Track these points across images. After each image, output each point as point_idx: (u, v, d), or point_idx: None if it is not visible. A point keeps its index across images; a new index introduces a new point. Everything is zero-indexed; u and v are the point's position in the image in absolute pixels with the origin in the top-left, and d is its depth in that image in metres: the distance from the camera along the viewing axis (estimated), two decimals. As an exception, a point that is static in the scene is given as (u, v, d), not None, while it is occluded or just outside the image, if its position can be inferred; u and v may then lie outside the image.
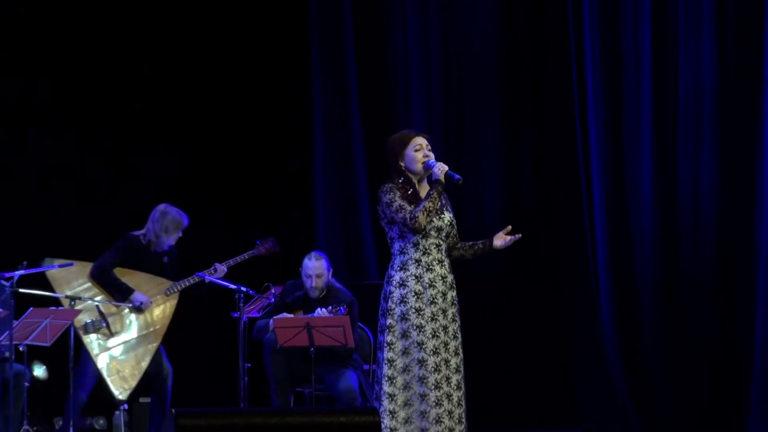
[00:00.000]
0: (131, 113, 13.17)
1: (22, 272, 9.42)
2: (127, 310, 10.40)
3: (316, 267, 10.33)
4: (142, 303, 10.39)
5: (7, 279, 9.26)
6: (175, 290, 10.59)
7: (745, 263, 11.31)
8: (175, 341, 10.98)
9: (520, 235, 8.19)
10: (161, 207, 10.64)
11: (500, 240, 8.19)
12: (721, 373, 11.81)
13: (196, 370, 11.84)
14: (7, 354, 9.35)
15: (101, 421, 12.43)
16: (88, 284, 10.37)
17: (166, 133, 13.17)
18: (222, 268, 10.57)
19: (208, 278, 10.55)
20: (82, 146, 12.98)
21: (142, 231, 10.64)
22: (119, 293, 10.41)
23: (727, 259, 11.93)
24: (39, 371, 11.75)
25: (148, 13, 13.28)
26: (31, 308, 9.55)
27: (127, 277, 10.51)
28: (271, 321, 10.05)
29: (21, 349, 9.60)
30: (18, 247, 11.39)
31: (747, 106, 11.33)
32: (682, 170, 12.16)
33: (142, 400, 11.46)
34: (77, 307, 10.00)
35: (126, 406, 10.85)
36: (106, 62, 13.13)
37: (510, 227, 8.22)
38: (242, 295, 10.23)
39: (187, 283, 10.58)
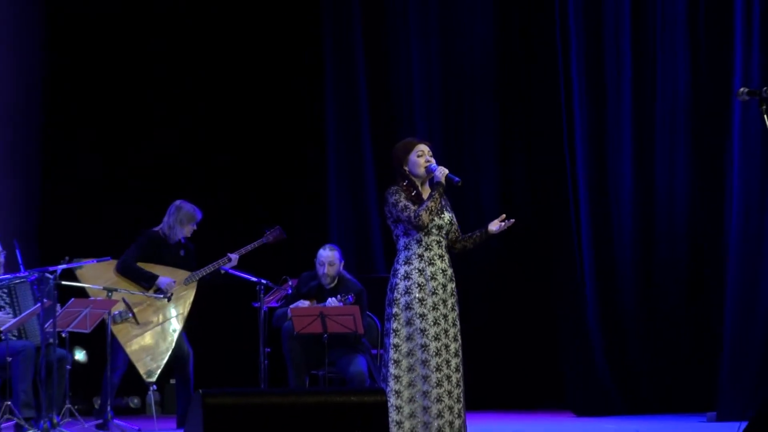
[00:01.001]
0: (151, 115, 13.21)
1: (64, 266, 9.42)
2: (150, 301, 10.42)
3: (329, 256, 10.37)
4: (168, 284, 10.42)
5: (51, 273, 9.26)
6: (194, 279, 10.60)
7: (715, 254, 11.30)
8: (203, 329, 11.02)
9: (513, 220, 8.20)
10: (177, 202, 10.68)
11: (495, 225, 8.16)
12: (694, 351, 11.76)
13: (221, 354, 11.87)
14: (51, 340, 9.37)
15: (135, 401, 12.47)
16: (115, 280, 10.39)
17: (186, 131, 13.21)
18: (234, 257, 10.58)
19: (223, 268, 10.59)
20: (99, 146, 13.05)
21: (160, 226, 10.68)
22: (145, 281, 10.43)
23: (698, 250, 11.91)
24: (79, 355, 11.79)
25: (168, 18, 13.31)
26: (72, 299, 9.57)
27: (150, 270, 10.52)
28: (289, 310, 10.09)
29: (63, 335, 9.60)
30: (57, 245, 11.47)
31: (717, 115, 11.31)
32: (659, 171, 12.15)
33: (172, 381, 11.50)
34: (113, 298, 10.04)
35: (155, 387, 10.89)
36: (125, 66, 13.16)
37: (504, 215, 8.24)
38: (262, 287, 10.26)
39: (204, 273, 10.58)
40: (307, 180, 13.22)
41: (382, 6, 13.21)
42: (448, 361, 7.98)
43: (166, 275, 10.52)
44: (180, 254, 10.68)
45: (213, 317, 11.44)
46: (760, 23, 10.95)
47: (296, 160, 13.30)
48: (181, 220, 10.60)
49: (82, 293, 10.04)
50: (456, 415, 7.98)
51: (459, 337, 8.08)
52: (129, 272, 10.46)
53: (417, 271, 8.01)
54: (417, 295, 7.99)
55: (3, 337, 9.33)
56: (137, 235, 10.69)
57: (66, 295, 9.71)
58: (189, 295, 10.61)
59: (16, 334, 9.60)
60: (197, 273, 10.58)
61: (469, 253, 8.66)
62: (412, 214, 7.98)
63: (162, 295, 10.38)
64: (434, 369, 7.93)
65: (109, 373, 10.34)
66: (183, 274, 10.59)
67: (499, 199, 12.56)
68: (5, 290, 9.62)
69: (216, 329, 11.76)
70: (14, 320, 9.43)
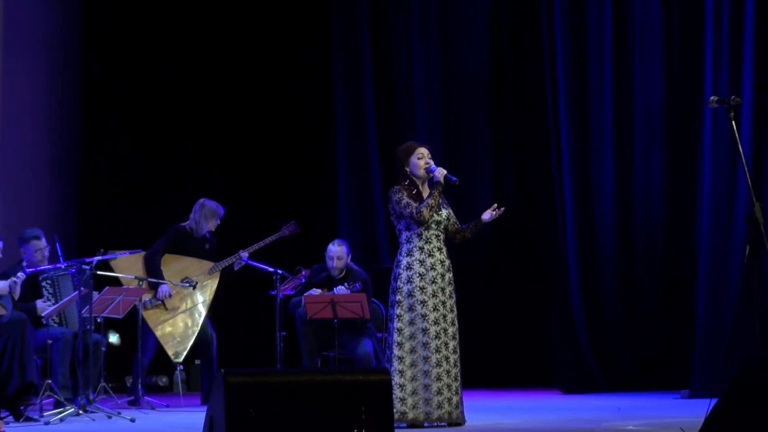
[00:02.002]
0: (181, 119, 13.24)
1: (99, 258, 9.44)
2: (177, 289, 10.43)
3: (337, 251, 10.39)
4: (163, 293, 10.37)
5: (87, 264, 9.28)
6: (217, 270, 10.60)
7: (688, 246, 11.29)
8: (225, 315, 11.02)
9: (503, 209, 8.25)
10: (201, 200, 10.68)
11: (487, 214, 8.23)
12: (669, 334, 11.73)
13: (241, 337, 11.89)
14: (88, 326, 9.39)
15: (164, 379, 12.49)
16: (144, 270, 10.40)
17: (211, 135, 13.25)
18: (245, 254, 10.58)
19: (244, 260, 10.61)
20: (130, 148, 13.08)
21: (187, 222, 10.70)
22: (155, 276, 10.41)
23: (673, 242, 11.89)
24: (113, 338, 11.81)
25: (194, 29, 13.32)
26: (107, 287, 9.58)
27: (177, 261, 10.53)
28: (302, 298, 10.12)
29: (98, 320, 9.61)
30: (94, 238, 11.50)
31: (690, 121, 11.30)
32: (637, 171, 12.14)
33: (197, 362, 11.52)
34: (143, 286, 10.06)
35: (182, 367, 10.92)
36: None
37: (496, 204, 8.29)
38: (278, 277, 10.30)
39: (226, 263, 10.60)
40: (319, 179, 13.27)
41: (387, 20, 13.24)
42: (446, 343, 8.03)
43: (193, 265, 10.53)
44: (205, 248, 10.68)
45: (234, 304, 11.45)
46: (729, 38, 10.94)
47: (309, 161, 13.33)
48: (205, 216, 10.62)
49: (115, 282, 10.06)
50: (454, 392, 8.02)
51: (456, 322, 8.14)
52: (150, 264, 10.45)
53: (418, 262, 8.06)
54: (418, 283, 8.04)
55: (45, 323, 9.35)
56: (166, 228, 10.71)
57: (101, 283, 9.73)
58: (212, 284, 10.62)
59: (58, 321, 9.61)
60: (219, 264, 10.59)
61: (466, 246, 8.71)
62: (413, 211, 8.03)
63: (188, 284, 10.40)
64: (434, 350, 7.98)
65: (140, 354, 10.36)
66: (207, 264, 10.61)
67: (493, 195, 12.54)
68: (49, 281, 9.64)
69: (237, 315, 11.78)
70: (54, 306, 9.45)
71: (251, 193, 13.04)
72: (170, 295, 10.39)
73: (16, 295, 8.72)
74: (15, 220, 12.11)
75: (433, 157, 8.32)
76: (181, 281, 10.43)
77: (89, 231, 12.57)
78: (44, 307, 9.45)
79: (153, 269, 10.39)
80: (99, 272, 9.63)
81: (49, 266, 9.52)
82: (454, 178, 8.08)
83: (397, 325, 8.05)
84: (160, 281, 10.33)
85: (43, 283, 9.59)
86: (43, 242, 9.67)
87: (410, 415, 7.94)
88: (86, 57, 13.22)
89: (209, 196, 10.77)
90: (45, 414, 8.72)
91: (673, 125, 11.90)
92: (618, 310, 12.08)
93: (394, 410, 7.52)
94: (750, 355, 9.20)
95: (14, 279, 8.59)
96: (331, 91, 13.25)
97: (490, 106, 13.20)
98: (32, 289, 9.55)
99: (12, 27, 12.69)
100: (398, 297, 8.07)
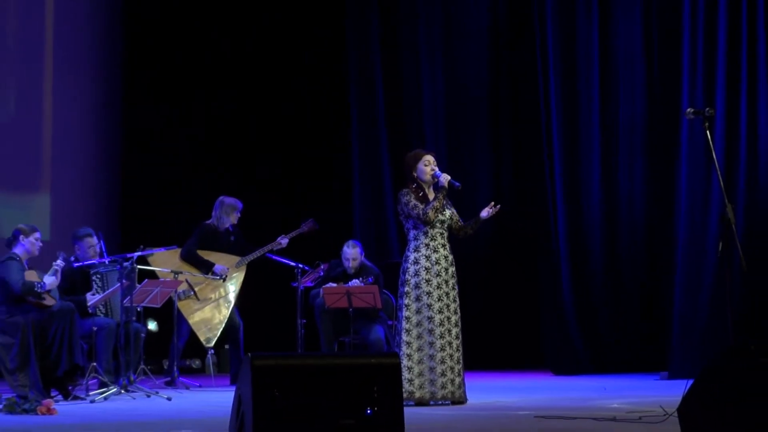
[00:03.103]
0: (210, 124, 13.29)
1: (139, 254, 9.46)
2: (208, 282, 10.45)
3: (352, 253, 10.39)
4: (222, 270, 10.45)
5: (128, 259, 9.30)
6: (244, 263, 10.61)
7: (667, 242, 11.25)
8: (251, 305, 11.03)
9: (499, 206, 8.28)
10: (220, 198, 10.69)
11: (485, 212, 8.29)
12: (650, 321, 11.70)
13: (266, 325, 11.88)
14: (132, 317, 9.42)
15: (197, 362, 12.49)
16: (179, 264, 10.40)
17: (240, 142, 13.27)
18: (284, 241, 10.57)
19: (268, 255, 10.62)
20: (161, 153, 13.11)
21: (211, 219, 10.71)
22: (204, 267, 10.43)
23: (654, 238, 11.84)
24: (152, 326, 11.81)
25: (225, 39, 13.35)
26: (146, 280, 9.59)
27: (208, 256, 10.51)
28: (321, 289, 10.13)
29: (138, 309, 9.62)
30: (134, 234, 11.52)
31: (668, 130, 11.26)
32: (621, 176, 12.10)
33: (226, 346, 11.52)
34: (178, 279, 10.07)
35: (213, 351, 10.94)
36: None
37: (493, 202, 8.32)
38: (299, 270, 10.30)
39: (252, 258, 10.60)
40: (336, 182, 13.28)
41: (397, 37, 13.24)
42: (449, 330, 8.05)
43: (222, 259, 10.54)
44: (231, 240, 10.68)
45: (259, 295, 11.47)
46: (703, 56, 10.90)
47: (327, 165, 13.36)
48: (226, 211, 10.62)
49: (153, 275, 10.09)
50: (456, 374, 8.03)
51: (458, 311, 8.16)
52: (191, 259, 10.49)
53: (424, 257, 8.08)
54: (424, 276, 8.06)
55: (91, 312, 9.37)
56: (195, 227, 10.73)
57: (141, 277, 9.75)
58: (240, 276, 10.62)
59: (104, 312, 9.63)
60: (246, 258, 10.59)
61: (468, 243, 8.71)
62: (420, 212, 8.05)
63: (218, 276, 10.42)
64: (438, 336, 8.00)
65: (175, 339, 10.39)
66: (234, 258, 10.61)
67: (491, 197, 12.54)
68: (98, 276, 9.66)
69: (262, 304, 11.78)
70: (99, 296, 9.47)
71: (275, 194, 13.06)
72: (226, 271, 10.40)
73: (58, 280, 8.68)
74: (65, 220, 12.15)
75: (438, 163, 8.34)
76: (212, 274, 10.44)
77: (130, 229, 12.60)
78: (91, 298, 9.47)
79: (195, 261, 10.44)
80: (139, 266, 9.67)
81: (94, 261, 9.53)
82: (457, 184, 8.11)
83: (405, 313, 8.07)
84: (210, 268, 10.35)
85: (94, 277, 9.62)
86: (94, 239, 9.67)
87: (417, 395, 7.95)
88: (126, 79, 13.26)
89: (236, 197, 10.78)
90: (90, 393, 8.75)
91: (654, 134, 11.88)
92: (604, 300, 12.05)
93: (403, 390, 7.53)
94: (722, 340, 9.20)
95: (55, 267, 8.58)
96: (346, 103, 13.27)
97: (488, 117, 13.19)
98: (83, 282, 9.58)
99: (61, 43, 12.72)
100: (406, 288, 8.09)
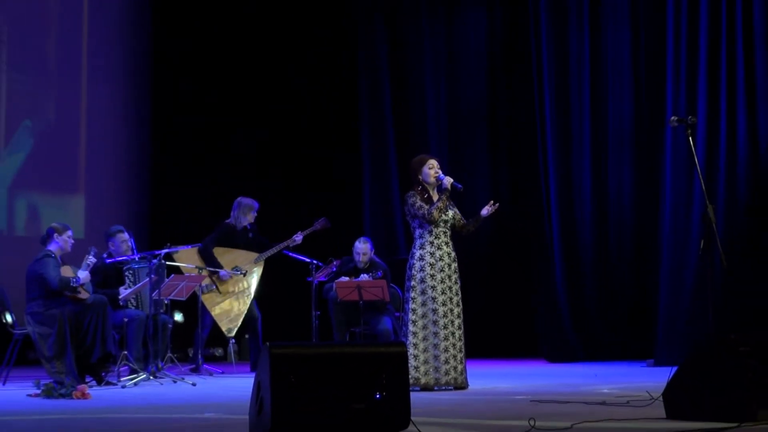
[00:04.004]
0: (233, 130, 13.29)
1: (166, 251, 9.46)
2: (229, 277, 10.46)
3: (363, 248, 10.40)
4: (223, 276, 10.40)
5: (155, 256, 9.30)
6: (261, 259, 10.62)
7: (653, 238, 11.24)
8: (269, 298, 11.02)
9: (498, 204, 8.29)
10: (238, 198, 10.69)
11: (485, 210, 8.28)
12: (637, 312, 11.70)
13: (283, 316, 11.89)
14: (161, 309, 9.43)
15: (219, 351, 12.51)
16: (201, 261, 10.42)
17: (260, 148, 13.29)
18: (299, 238, 10.56)
19: (285, 252, 10.62)
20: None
21: (230, 219, 10.70)
22: (213, 265, 10.41)
23: (640, 235, 11.83)
24: (178, 317, 11.82)
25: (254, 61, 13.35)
26: (172, 275, 9.60)
27: (229, 253, 10.52)
28: (334, 284, 10.13)
29: (166, 302, 9.62)
30: (162, 232, 11.53)
31: (653, 137, 11.27)
32: (611, 178, 12.10)
33: (246, 336, 11.52)
34: (202, 274, 10.07)
35: (234, 341, 10.94)
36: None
37: (492, 201, 8.33)
38: (314, 266, 10.33)
39: (270, 254, 10.60)
40: (347, 185, 13.29)
41: (404, 57, 13.29)
42: (452, 321, 8.04)
43: (242, 256, 10.53)
44: (249, 237, 10.67)
45: (277, 288, 11.47)
46: (686, 68, 10.89)
47: (340, 170, 13.37)
48: (243, 211, 10.62)
49: (179, 271, 10.09)
50: (459, 361, 8.03)
51: (460, 303, 8.15)
52: (205, 255, 10.46)
53: (429, 254, 8.08)
54: (429, 271, 8.06)
55: (122, 304, 9.38)
56: (215, 225, 10.73)
57: (168, 272, 9.75)
58: (258, 272, 10.62)
59: (135, 305, 9.62)
60: (263, 255, 10.58)
61: (470, 241, 8.71)
62: (425, 212, 8.05)
63: (238, 272, 10.41)
64: (442, 326, 8.00)
65: (199, 330, 10.38)
66: (253, 255, 10.61)
67: (490, 197, 12.56)
68: (131, 271, 9.66)
69: (279, 297, 11.78)
70: (130, 290, 9.48)
71: (291, 194, 13.08)
72: (230, 277, 10.40)
73: (89, 274, 8.68)
74: (98, 219, 12.18)
75: (442, 167, 8.34)
76: (233, 269, 10.44)
77: (157, 228, 12.61)
78: (123, 291, 9.48)
79: (208, 258, 10.42)
80: (166, 263, 9.67)
81: (125, 257, 9.53)
82: (459, 186, 8.10)
83: (411, 305, 8.06)
84: (217, 269, 10.36)
85: (126, 273, 9.62)
86: (125, 235, 9.66)
87: (423, 381, 7.95)
88: (154, 90, 13.28)
89: (255, 198, 10.78)
90: (122, 379, 8.76)
91: (640, 141, 11.89)
92: (594, 293, 12.05)
93: (410, 376, 7.53)
94: (704, 331, 9.17)
95: (87, 262, 8.59)
96: (357, 113, 13.29)
97: (487, 125, 13.23)
98: (117, 277, 9.59)
99: (95, 58, 12.77)
100: (413, 283, 8.09)
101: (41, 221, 12.06)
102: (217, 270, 10.36)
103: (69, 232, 8.78)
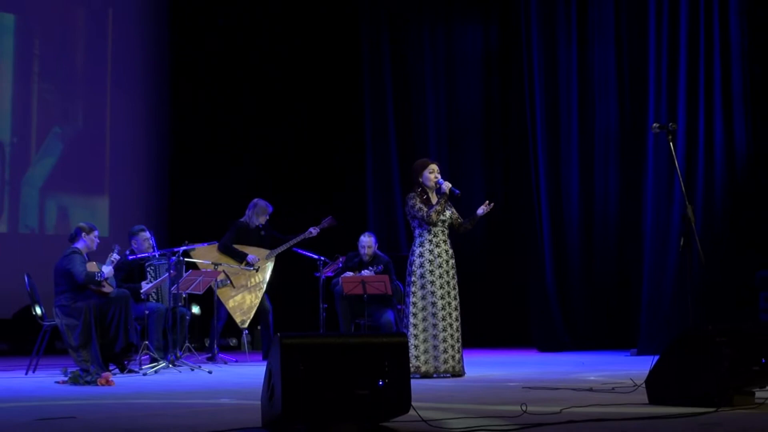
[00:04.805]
0: (248, 136, 13.29)
1: (183, 248, 9.45)
2: (242, 272, 10.44)
3: (368, 241, 10.39)
4: (253, 260, 10.42)
5: (174, 253, 9.30)
6: (273, 256, 10.62)
7: (636, 237, 11.24)
8: (280, 291, 11.01)
9: (493, 204, 8.27)
10: (255, 200, 10.67)
11: (480, 210, 8.25)
12: (621, 304, 11.74)
13: (293, 309, 11.90)
14: (180, 302, 9.43)
15: (233, 341, 12.51)
16: (217, 257, 10.38)
17: (271, 152, 13.29)
18: (315, 231, 10.54)
19: (295, 249, 10.61)
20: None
21: (244, 217, 10.70)
22: (238, 257, 10.39)
23: (624, 233, 11.84)
24: (195, 309, 11.84)
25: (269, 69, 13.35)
26: (190, 270, 9.61)
27: (242, 250, 10.56)
28: (340, 278, 10.13)
29: (184, 295, 9.62)
30: (180, 230, 11.54)
31: (637, 142, 11.27)
32: (597, 180, 12.13)
33: (258, 327, 11.52)
34: (217, 270, 10.07)
35: (247, 331, 10.94)
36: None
37: (488, 201, 8.31)
38: (321, 262, 10.31)
39: (280, 251, 10.59)
40: (353, 184, 13.28)
41: (406, 67, 13.30)
42: (450, 313, 8.04)
43: (254, 253, 10.53)
44: (261, 235, 10.66)
45: (287, 283, 11.47)
46: (667, 78, 10.91)
47: (346, 170, 13.38)
48: (257, 213, 10.61)
49: (196, 267, 10.09)
50: (456, 350, 8.03)
51: (457, 297, 8.15)
52: (227, 251, 10.47)
53: (428, 251, 8.07)
54: (428, 267, 8.05)
55: (143, 298, 9.39)
56: (230, 224, 10.73)
57: (186, 268, 9.75)
58: (269, 267, 10.62)
59: (155, 297, 9.63)
60: (274, 251, 10.58)
61: (466, 237, 8.70)
62: (425, 214, 8.05)
63: (251, 267, 10.41)
64: (441, 318, 7.99)
65: (215, 321, 10.39)
66: (265, 251, 10.61)
67: (485, 198, 12.55)
68: (152, 267, 9.66)
69: (289, 291, 11.79)
70: (151, 284, 9.48)
71: (301, 194, 13.07)
72: (258, 260, 10.39)
73: (113, 270, 8.69)
74: (121, 219, 12.19)
75: (441, 169, 8.34)
76: (245, 266, 10.44)
77: (175, 227, 12.61)
78: (145, 286, 9.49)
79: (231, 252, 10.43)
80: (184, 259, 9.68)
81: (146, 254, 9.54)
82: (457, 191, 8.10)
83: (412, 299, 8.06)
84: (243, 255, 10.35)
85: (148, 269, 9.62)
86: (147, 234, 9.66)
87: (423, 369, 7.95)
88: (172, 99, 13.28)
89: (265, 197, 10.77)
90: (143, 367, 8.77)
91: (624, 145, 11.90)
92: (582, 287, 12.08)
93: (410, 365, 7.53)
94: (683, 322, 9.18)
95: (111, 258, 8.59)
96: (362, 120, 13.28)
97: (483, 129, 13.29)
98: (139, 272, 9.59)
99: (118, 69, 12.78)
100: (413, 278, 8.09)
101: (70, 221, 12.17)
102: (245, 256, 10.36)
103: (95, 232, 8.79)
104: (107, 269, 8.54)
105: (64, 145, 12.42)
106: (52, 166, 12.32)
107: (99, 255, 8.95)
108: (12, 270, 9.34)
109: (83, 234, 8.71)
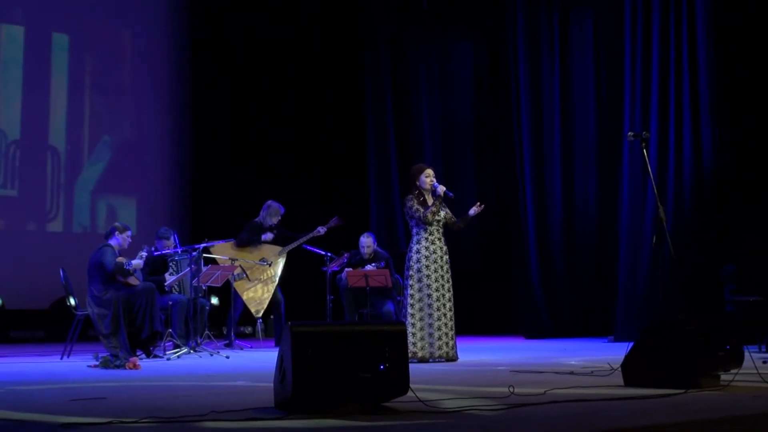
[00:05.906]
0: (263, 141, 13.24)
1: (203, 245, 9.44)
2: (257, 267, 10.42)
3: (367, 241, 10.36)
4: (267, 237, 10.39)
5: (195, 249, 9.29)
6: (284, 252, 10.60)
7: (612, 235, 11.27)
8: (291, 284, 10.98)
9: (483, 206, 8.26)
10: (268, 201, 10.64)
11: (472, 210, 8.24)
12: (599, 294, 11.76)
13: (302, 300, 11.85)
14: (199, 295, 9.42)
15: (249, 329, 12.48)
16: (234, 253, 10.34)
17: (281, 156, 13.22)
18: (323, 230, 10.51)
19: (305, 246, 10.59)
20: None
21: (258, 217, 10.68)
22: (253, 245, 10.39)
23: (602, 232, 11.86)
24: (214, 300, 11.81)
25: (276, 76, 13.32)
26: (209, 265, 9.62)
27: (256, 247, 10.50)
28: (344, 272, 10.13)
29: (204, 288, 9.61)
30: (201, 228, 11.53)
31: (613, 148, 11.30)
32: (577, 183, 12.14)
33: (271, 316, 11.51)
34: (234, 264, 10.06)
35: (261, 320, 10.93)
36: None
37: (479, 202, 8.30)
38: (328, 258, 10.29)
39: (291, 247, 10.56)
40: (356, 187, 13.24)
41: (404, 82, 13.28)
42: (444, 304, 8.04)
43: (267, 249, 10.49)
44: (274, 233, 10.67)
45: (297, 277, 11.43)
46: (641, 90, 10.94)
47: (350, 174, 13.34)
48: (270, 213, 10.58)
49: (215, 262, 10.08)
50: (450, 337, 8.03)
51: (451, 289, 8.15)
52: (244, 244, 10.45)
53: (424, 248, 8.07)
54: (425, 263, 8.05)
55: (167, 290, 9.38)
56: (245, 223, 10.71)
57: (206, 262, 9.74)
58: (281, 262, 10.60)
59: (178, 290, 9.62)
60: (286, 248, 10.55)
61: (459, 235, 8.69)
62: (421, 214, 8.04)
63: (265, 262, 10.40)
64: (436, 309, 7.99)
65: (232, 311, 10.37)
66: (277, 248, 10.59)
67: (477, 199, 12.53)
68: (174, 262, 9.65)
69: (299, 284, 11.75)
70: (174, 278, 9.48)
71: (308, 195, 13.04)
72: (272, 238, 10.38)
73: (141, 264, 8.69)
74: (147, 218, 12.20)
75: (436, 174, 8.33)
76: (260, 261, 10.43)
77: (197, 225, 12.58)
78: (169, 279, 9.49)
79: (248, 243, 10.40)
80: (204, 255, 9.67)
81: (169, 251, 9.55)
82: (451, 194, 8.09)
83: (410, 291, 8.06)
84: (261, 243, 10.33)
85: (171, 264, 9.63)
86: (171, 241, 9.69)
87: (419, 354, 7.95)
88: (193, 107, 13.25)
89: (277, 200, 10.76)
90: (167, 353, 8.76)
91: (602, 152, 11.92)
92: (563, 279, 12.09)
93: (408, 351, 7.53)
94: (656, 312, 9.19)
95: (140, 255, 8.59)
96: (365, 130, 13.27)
97: (474, 137, 13.27)
98: (163, 266, 9.60)
99: (140, 77, 12.79)
100: (411, 272, 8.09)
101: (100, 220, 12.29)
102: (262, 239, 10.34)
103: (128, 232, 8.78)
104: (135, 261, 8.57)
105: (112, 151, 12.64)
106: (102, 171, 12.54)
107: (129, 253, 8.96)
108: (63, 265, 9.40)
109: (117, 233, 8.71)
